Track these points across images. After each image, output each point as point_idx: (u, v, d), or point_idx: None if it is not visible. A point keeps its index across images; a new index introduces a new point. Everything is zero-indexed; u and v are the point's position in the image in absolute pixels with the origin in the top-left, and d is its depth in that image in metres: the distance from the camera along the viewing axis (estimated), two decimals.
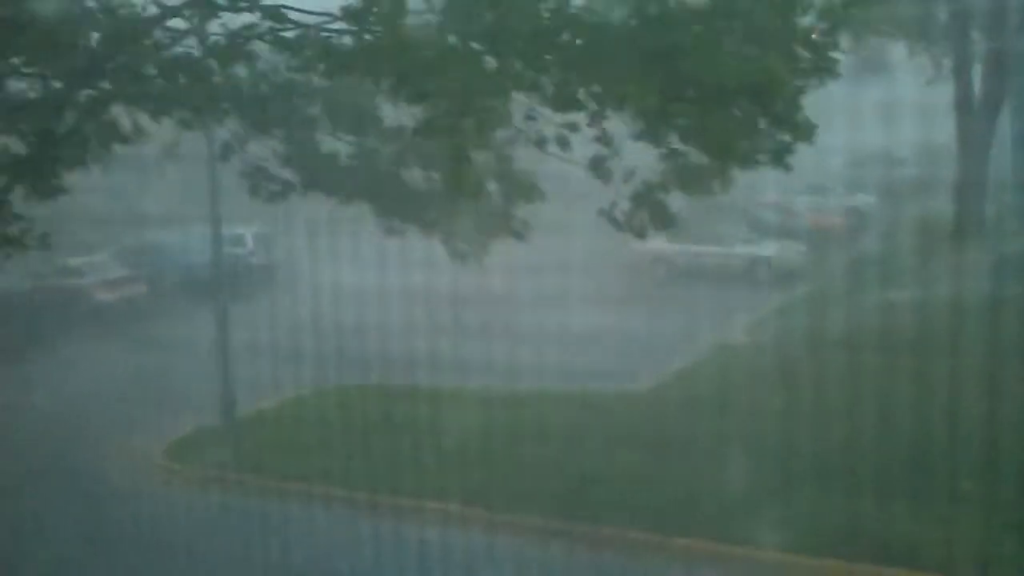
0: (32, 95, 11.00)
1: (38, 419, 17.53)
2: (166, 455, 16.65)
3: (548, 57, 9.15)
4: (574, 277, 22.80)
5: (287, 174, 11.81)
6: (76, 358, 21.26)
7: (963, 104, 23.83)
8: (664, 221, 10.89)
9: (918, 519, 12.03)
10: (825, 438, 13.33)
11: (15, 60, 10.69)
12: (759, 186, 30.30)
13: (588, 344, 18.93)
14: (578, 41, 9.07)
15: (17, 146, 10.76)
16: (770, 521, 12.08)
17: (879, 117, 22.82)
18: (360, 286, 19.65)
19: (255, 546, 12.94)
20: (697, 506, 12.92)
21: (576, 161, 10.29)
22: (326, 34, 9.97)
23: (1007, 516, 11.56)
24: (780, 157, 9.62)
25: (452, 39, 9.15)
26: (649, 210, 10.73)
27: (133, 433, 16.93)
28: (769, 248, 27.59)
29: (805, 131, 9.39)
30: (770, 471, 12.92)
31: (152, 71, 10.72)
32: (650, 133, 9.60)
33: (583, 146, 10.36)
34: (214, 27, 10.82)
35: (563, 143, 10.18)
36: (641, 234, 11.07)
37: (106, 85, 10.71)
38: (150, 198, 25.96)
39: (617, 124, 9.93)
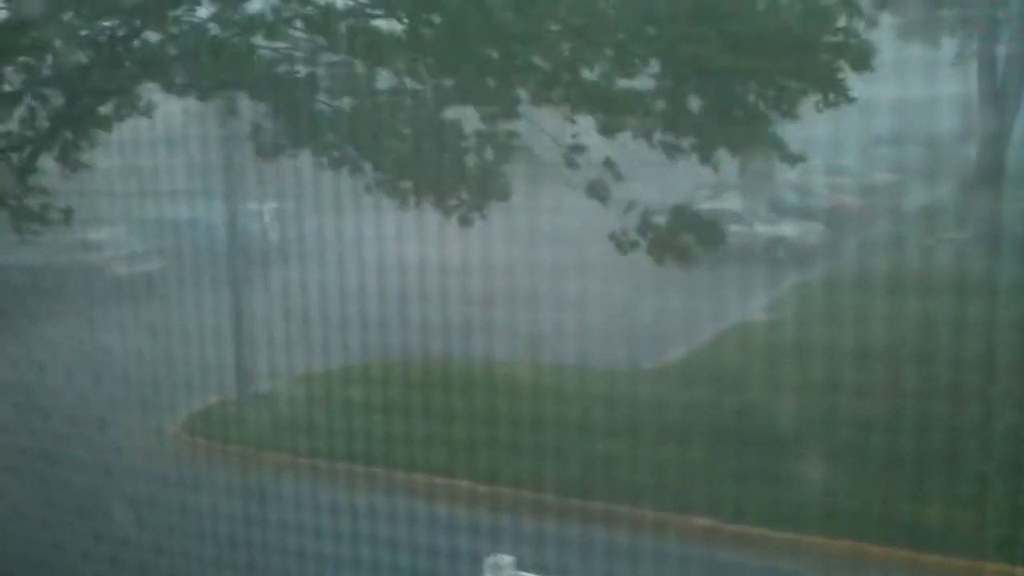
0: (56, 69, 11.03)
1: (52, 391, 17.62)
2: (184, 428, 16.74)
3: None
4: (591, 254, 22.75)
5: (281, 134, 11.76)
6: (93, 330, 21.34)
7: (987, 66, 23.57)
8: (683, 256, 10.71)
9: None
10: (842, 416, 13.30)
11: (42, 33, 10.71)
12: (779, 166, 30.27)
13: (603, 322, 18.88)
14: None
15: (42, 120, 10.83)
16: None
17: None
18: (378, 261, 19.65)
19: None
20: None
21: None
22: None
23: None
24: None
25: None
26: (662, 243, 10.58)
27: (147, 408, 17.05)
28: (789, 228, 27.47)
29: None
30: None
31: (174, 50, 10.74)
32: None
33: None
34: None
35: (571, 163, 10.04)
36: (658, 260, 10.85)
37: (127, 62, 10.74)
38: (169, 175, 25.97)
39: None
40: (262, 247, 24.93)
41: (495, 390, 16.10)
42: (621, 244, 10.46)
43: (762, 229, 27.27)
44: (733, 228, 26.70)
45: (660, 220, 10.41)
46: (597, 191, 9.95)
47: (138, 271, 26.34)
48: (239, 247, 17.97)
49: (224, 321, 17.83)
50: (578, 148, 9.97)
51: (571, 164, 10.11)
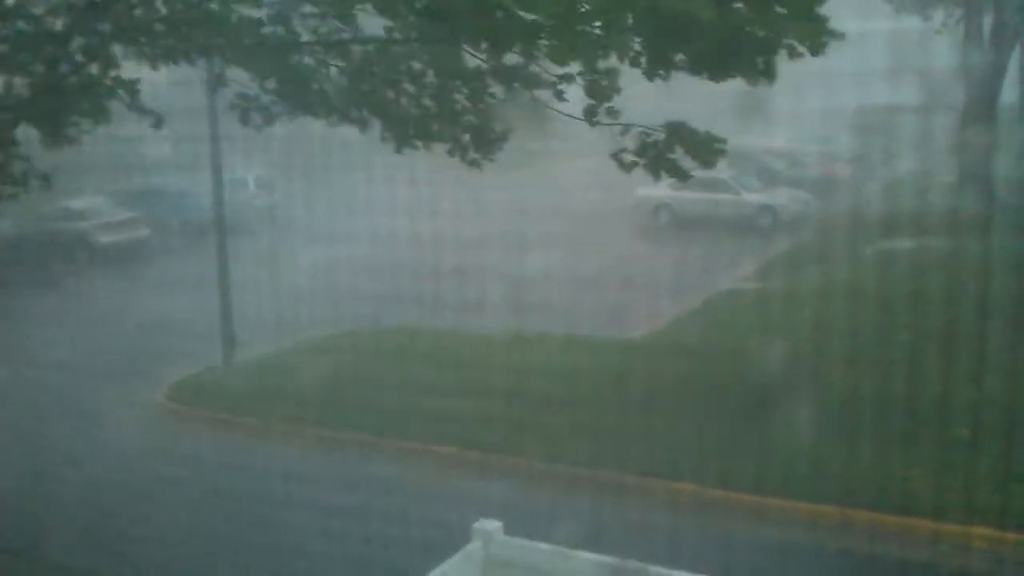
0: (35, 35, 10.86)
1: (37, 358, 17.57)
2: (167, 396, 16.69)
3: None
4: (577, 223, 22.77)
5: (272, 100, 11.61)
6: (77, 299, 21.28)
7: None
8: (675, 171, 10.69)
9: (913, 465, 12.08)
10: (826, 382, 13.36)
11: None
12: (766, 134, 30.31)
13: (589, 289, 18.90)
14: None
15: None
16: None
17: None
18: (362, 228, 19.62)
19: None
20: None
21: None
22: None
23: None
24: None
25: None
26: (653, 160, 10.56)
27: (132, 375, 17.02)
28: (776, 196, 27.48)
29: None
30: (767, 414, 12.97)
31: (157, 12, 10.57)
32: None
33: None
34: None
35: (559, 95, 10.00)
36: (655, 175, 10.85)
37: (107, 27, 10.57)
38: (154, 144, 25.84)
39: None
40: (248, 216, 24.85)
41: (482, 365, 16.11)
42: (623, 163, 10.48)
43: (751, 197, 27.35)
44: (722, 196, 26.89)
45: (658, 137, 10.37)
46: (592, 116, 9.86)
47: (121, 240, 26.27)
48: (224, 216, 17.82)
49: (209, 291, 17.75)
50: (567, 77, 9.87)
51: (560, 97, 10.03)
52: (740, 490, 12.23)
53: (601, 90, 9.59)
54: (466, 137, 11.22)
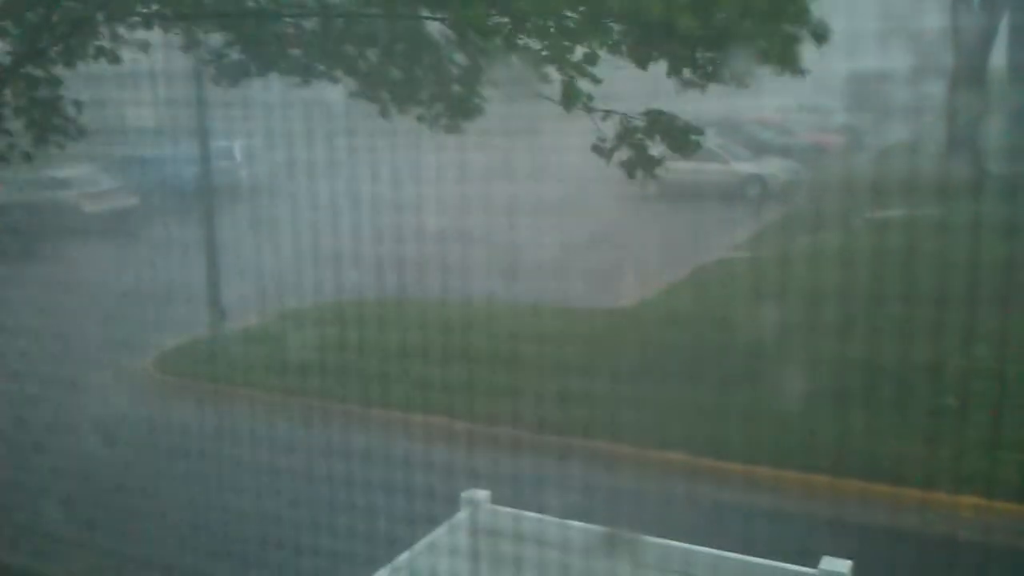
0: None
1: (22, 327, 17.44)
2: (155, 367, 16.63)
3: None
4: (565, 191, 22.69)
5: (243, 57, 11.51)
6: (63, 268, 21.14)
7: None
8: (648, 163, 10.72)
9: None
10: (814, 351, 13.37)
11: None
12: (756, 104, 30.23)
13: (577, 258, 18.87)
14: None
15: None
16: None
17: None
18: (350, 196, 19.48)
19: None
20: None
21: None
22: None
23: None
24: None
25: None
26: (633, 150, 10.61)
27: (118, 344, 16.92)
28: (765, 165, 27.45)
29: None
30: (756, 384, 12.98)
31: None
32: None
33: None
34: None
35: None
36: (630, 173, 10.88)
37: None
38: (138, 112, 25.65)
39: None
40: (235, 184, 24.73)
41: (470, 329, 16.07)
42: (603, 153, 10.51)
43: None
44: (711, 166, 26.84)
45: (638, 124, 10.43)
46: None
47: (107, 209, 26.14)
48: (211, 184, 17.69)
49: (196, 260, 17.64)
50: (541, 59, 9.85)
51: (544, 78, 10.01)
52: (729, 459, 12.27)
53: (574, 91, 9.54)
54: (438, 106, 11.20)
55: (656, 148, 10.68)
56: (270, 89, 12.47)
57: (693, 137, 10.38)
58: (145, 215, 25.96)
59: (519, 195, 20.36)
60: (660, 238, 20.30)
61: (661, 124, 10.35)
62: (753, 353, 13.32)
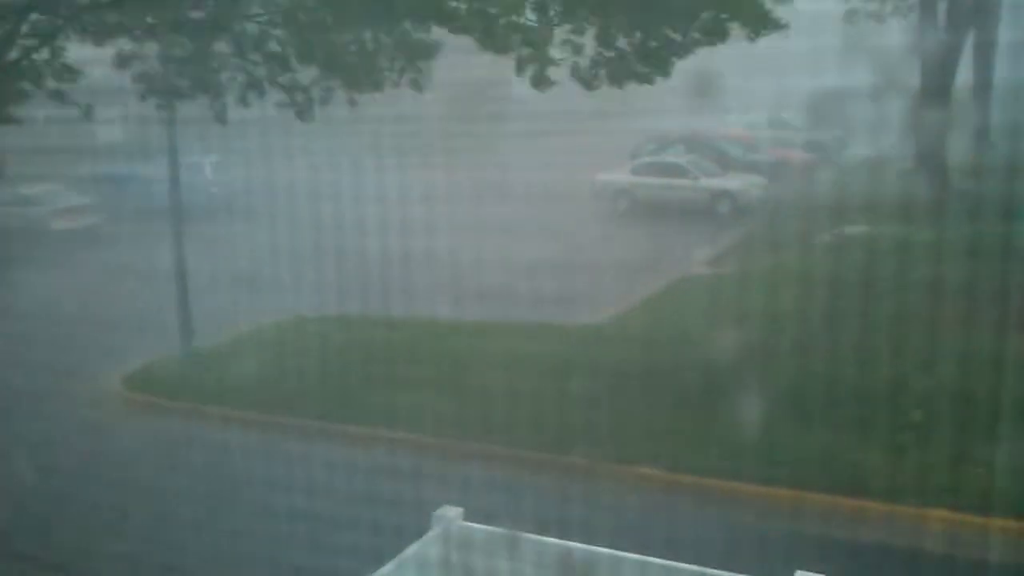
0: None
1: None
2: (124, 385, 16.49)
3: None
4: (536, 208, 22.75)
5: (177, 80, 11.62)
6: (29, 285, 20.94)
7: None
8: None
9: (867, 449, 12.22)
10: (781, 368, 13.47)
11: None
12: (723, 120, 30.47)
13: (548, 276, 18.91)
14: None
15: None
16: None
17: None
18: (319, 214, 19.49)
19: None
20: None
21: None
22: None
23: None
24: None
25: None
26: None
27: (87, 363, 16.78)
28: (733, 181, 27.62)
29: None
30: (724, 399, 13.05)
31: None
32: None
33: None
34: None
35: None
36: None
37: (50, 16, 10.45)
38: (107, 129, 25.57)
39: None
40: (204, 202, 24.60)
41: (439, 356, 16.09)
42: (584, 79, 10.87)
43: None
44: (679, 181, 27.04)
45: None
46: None
47: (74, 226, 26.02)
48: (181, 202, 17.56)
49: (164, 278, 17.54)
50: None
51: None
52: (694, 473, 12.34)
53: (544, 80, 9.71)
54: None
55: None
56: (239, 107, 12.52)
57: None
58: (114, 233, 25.80)
59: (493, 213, 20.43)
60: (631, 255, 20.36)
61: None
62: (720, 370, 13.41)
